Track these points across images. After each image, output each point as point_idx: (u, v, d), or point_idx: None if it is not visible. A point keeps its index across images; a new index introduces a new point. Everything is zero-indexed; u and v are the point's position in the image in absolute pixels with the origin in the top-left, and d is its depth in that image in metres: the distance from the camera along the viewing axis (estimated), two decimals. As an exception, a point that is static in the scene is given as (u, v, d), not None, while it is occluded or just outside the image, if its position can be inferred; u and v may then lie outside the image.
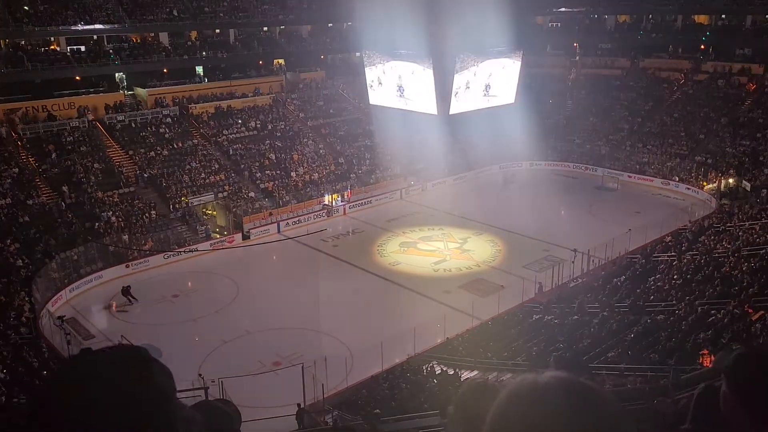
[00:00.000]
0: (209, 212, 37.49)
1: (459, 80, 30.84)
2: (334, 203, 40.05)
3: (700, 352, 18.94)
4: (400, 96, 33.05)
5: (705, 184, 41.07)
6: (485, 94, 32.66)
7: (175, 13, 45.65)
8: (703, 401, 2.14)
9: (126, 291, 27.97)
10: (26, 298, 25.92)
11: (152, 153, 39.36)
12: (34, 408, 1.12)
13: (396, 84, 33.13)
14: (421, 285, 29.56)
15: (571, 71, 56.25)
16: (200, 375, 19.10)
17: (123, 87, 44.95)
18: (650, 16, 55.20)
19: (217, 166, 40.15)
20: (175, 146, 40.47)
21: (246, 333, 25.39)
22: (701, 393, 2.18)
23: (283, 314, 26.79)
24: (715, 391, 1.81)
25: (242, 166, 41.26)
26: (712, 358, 17.70)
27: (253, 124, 44.86)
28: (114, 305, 28.03)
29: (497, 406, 1.06)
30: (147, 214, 34.72)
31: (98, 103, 41.18)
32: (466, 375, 21.07)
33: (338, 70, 54.12)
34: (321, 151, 45.00)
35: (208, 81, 47.56)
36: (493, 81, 32.93)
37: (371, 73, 34.23)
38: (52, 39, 42.64)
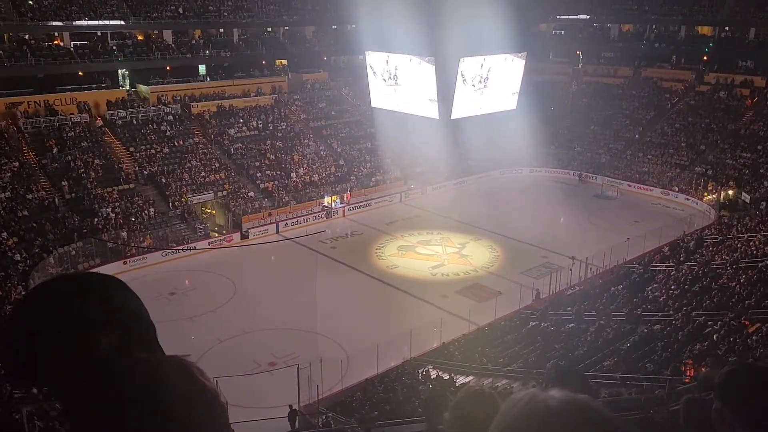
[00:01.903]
0: (208, 211, 37.50)
1: (461, 84, 30.87)
2: (333, 205, 40.04)
3: (684, 361, 18.92)
4: (402, 99, 33.09)
5: (705, 194, 41.11)
6: (487, 99, 32.68)
7: (180, 11, 45.71)
8: (691, 414, 2.13)
9: None
10: (23, 293, 25.90)
11: (153, 150, 39.36)
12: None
13: (398, 87, 33.16)
14: (419, 289, 29.53)
15: (572, 83, 56.30)
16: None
17: (125, 84, 45.00)
18: (654, 26, 55.28)
19: (217, 165, 40.15)
20: (176, 144, 40.48)
21: (242, 333, 25.36)
22: (687, 406, 2.16)
23: (279, 315, 26.77)
24: (702, 404, 1.78)
25: (243, 165, 41.28)
26: (697, 369, 17.68)
27: (254, 123, 44.88)
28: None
29: (502, 425, 1.03)
30: (146, 211, 34.72)
31: (100, 99, 41.16)
32: (461, 380, 21.05)
33: (341, 72, 54.16)
34: (322, 153, 45.02)
35: (210, 80, 47.56)
36: (495, 86, 32.96)
37: (373, 76, 34.27)
38: (56, 34, 42.67)
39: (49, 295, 1.20)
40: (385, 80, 33.63)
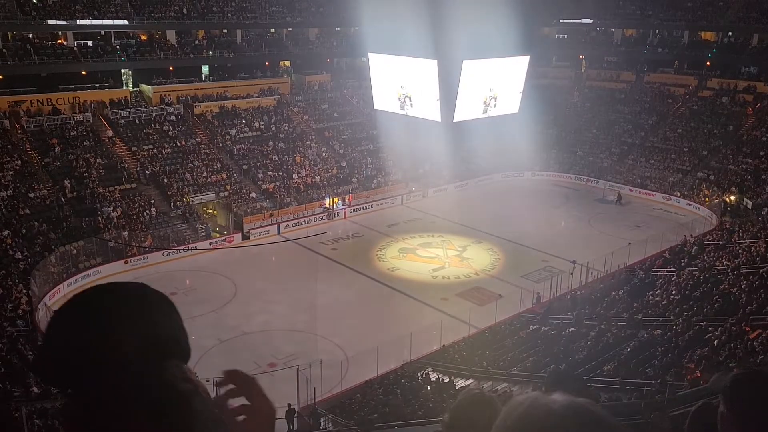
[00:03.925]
0: (210, 211, 37.51)
1: (463, 87, 30.87)
2: (334, 206, 40.04)
3: (686, 365, 18.88)
4: (405, 102, 33.08)
5: (707, 200, 41.09)
6: (489, 103, 32.68)
7: (184, 12, 45.78)
8: (700, 419, 2.12)
9: None
10: (24, 291, 25.91)
11: (155, 150, 39.40)
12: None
13: (400, 89, 33.17)
14: (419, 291, 29.52)
15: (575, 88, 56.27)
16: (195, 374, 19.04)
17: (128, 83, 45.06)
18: (657, 31, 55.36)
19: (219, 166, 40.19)
20: (178, 144, 40.52)
21: (242, 333, 25.37)
22: (698, 410, 2.16)
23: (279, 316, 26.77)
24: (712, 410, 1.79)
25: (244, 166, 41.31)
26: (697, 374, 17.64)
27: (257, 124, 44.92)
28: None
29: (503, 428, 1.03)
30: (147, 211, 34.74)
31: (103, 98, 41.22)
32: (461, 383, 21.03)
33: (344, 74, 54.21)
34: (324, 154, 45.05)
35: (213, 80, 47.64)
36: (498, 90, 32.95)
37: (376, 78, 34.28)
38: (60, 33, 42.74)
39: (89, 310, 1.14)
40: (387, 82, 33.64)
